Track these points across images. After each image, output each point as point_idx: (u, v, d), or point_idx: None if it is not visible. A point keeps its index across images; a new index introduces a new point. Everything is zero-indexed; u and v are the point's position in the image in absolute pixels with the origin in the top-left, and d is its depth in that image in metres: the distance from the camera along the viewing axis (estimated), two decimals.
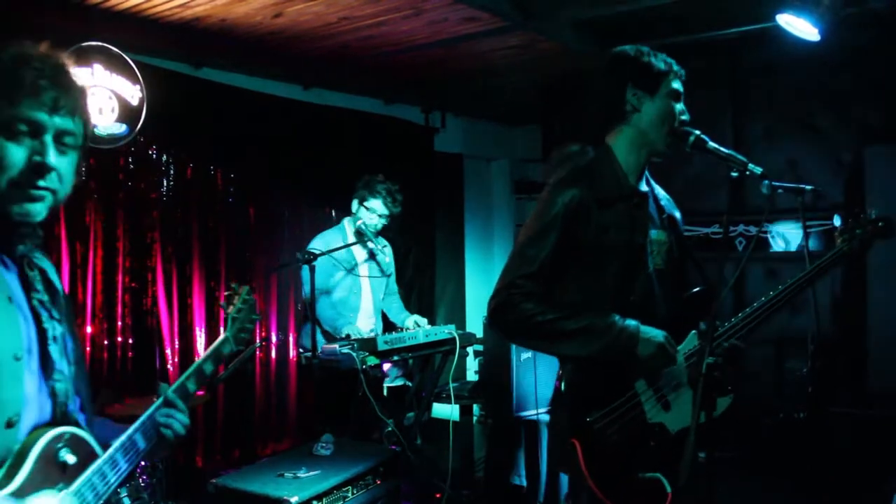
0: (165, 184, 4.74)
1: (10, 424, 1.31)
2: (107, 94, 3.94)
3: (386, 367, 4.44)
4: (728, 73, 5.07)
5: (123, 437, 1.48)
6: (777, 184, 1.99)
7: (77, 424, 1.42)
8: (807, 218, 4.22)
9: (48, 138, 1.32)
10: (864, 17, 4.16)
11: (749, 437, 4.25)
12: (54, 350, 1.40)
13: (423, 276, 6.53)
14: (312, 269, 3.97)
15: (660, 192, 2.38)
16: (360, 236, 4.46)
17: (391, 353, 4.00)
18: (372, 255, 4.58)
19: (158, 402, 1.60)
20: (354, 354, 3.77)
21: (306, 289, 4.11)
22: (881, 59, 4.46)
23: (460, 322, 6.90)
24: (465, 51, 4.80)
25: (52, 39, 1.38)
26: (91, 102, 3.89)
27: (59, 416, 1.39)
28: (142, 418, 1.55)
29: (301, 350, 4.60)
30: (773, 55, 4.58)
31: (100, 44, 3.91)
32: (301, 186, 5.49)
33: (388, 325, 4.74)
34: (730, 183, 2.05)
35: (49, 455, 1.33)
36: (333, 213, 5.74)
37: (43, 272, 1.44)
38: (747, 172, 2.00)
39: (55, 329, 1.41)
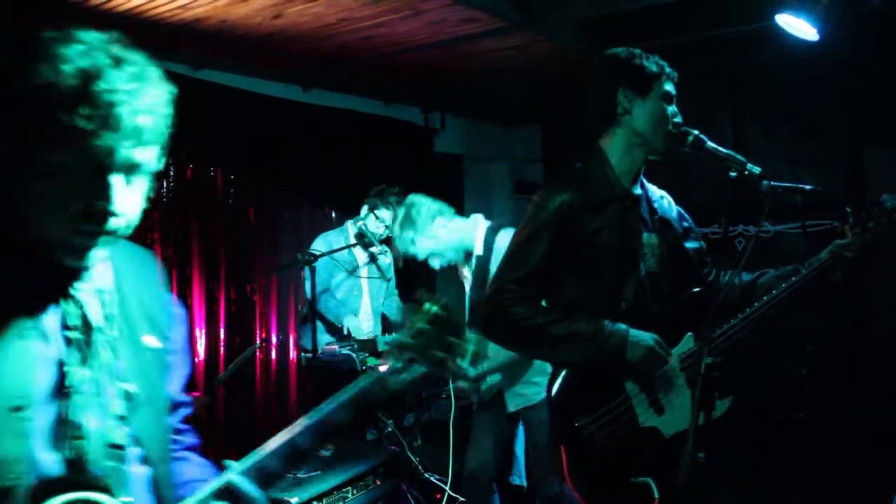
0: (165, 185, 4.74)
1: (6, 491, 1.07)
2: None
3: (385, 367, 4.45)
4: (727, 73, 5.06)
5: None
6: (776, 184, 1.99)
7: (108, 491, 1.14)
8: (806, 218, 4.22)
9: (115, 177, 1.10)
10: (864, 17, 4.16)
11: (747, 439, 4.24)
12: (72, 401, 1.13)
13: (423, 277, 6.53)
14: (313, 271, 3.97)
15: (654, 193, 2.37)
16: (361, 238, 4.47)
17: None
18: (373, 258, 4.60)
19: (214, 486, 1.19)
20: (354, 355, 3.78)
21: (307, 289, 4.11)
22: (881, 58, 4.46)
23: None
24: (464, 51, 4.80)
25: None
26: None
27: (83, 479, 1.12)
28: None
29: (301, 351, 4.61)
30: (772, 54, 4.58)
31: None
32: (301, 187, 5.50)
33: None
34: (729, 182, 2.05)
35: None
36: (333, 214, 5.75)
37: (81, 306, 1.18)
38: (746, 172, 1.99)
39: (80, 375, 1.15)
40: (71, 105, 1.04)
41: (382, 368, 1.36)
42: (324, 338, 4.36)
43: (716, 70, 5.01)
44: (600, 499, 2.04)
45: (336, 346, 3.93)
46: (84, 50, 1.10)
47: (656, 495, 2.02)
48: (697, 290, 2.24)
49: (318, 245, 4.42)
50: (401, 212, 3.41)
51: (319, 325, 4.38)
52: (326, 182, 5.53)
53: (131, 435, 1.20)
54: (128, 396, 1.20)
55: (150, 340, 1.27)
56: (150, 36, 4.13)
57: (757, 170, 1.99)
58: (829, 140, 4.72)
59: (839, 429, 4.03)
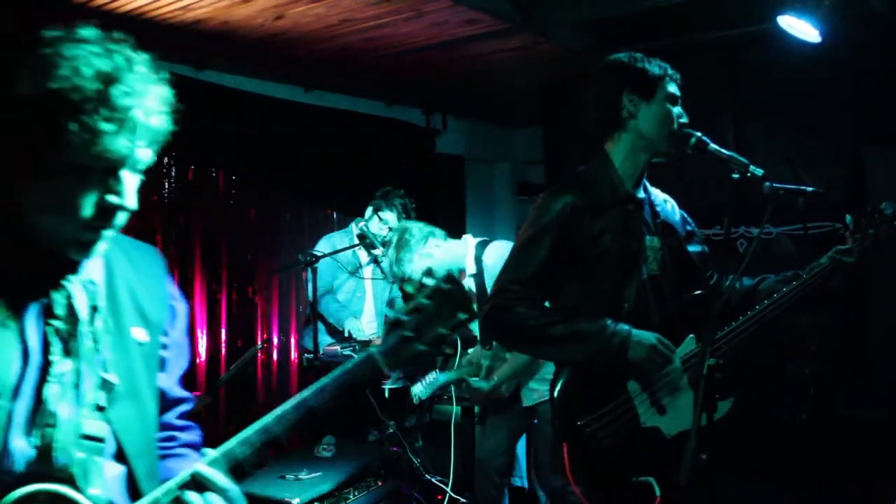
0: (167, 186, 4.75)
1: None
2: None
3: (378, 346, 4.45)
4: (728, 73, 5.06)
5: None
6: (778, 185, 1.99)
7: (72, 482, 1.11)
8: (808, 219, 4.22)
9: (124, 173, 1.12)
10: (865, 17, 4.16)
11: (750, 440, 4.24)
12: (49, 390, 1.12)
13: None
14: (314, 271, 3.98)
15: (657, 197, 2.37)
16: (363, 239, 4.48)
17: None
18: (375, 260, 4.61)
19: (182, 477, 1.16)
20: (356, 356, 3.79)
21: (309, 290, 4.12)
22: (881, 59, 4.45)
23: None
24: (466, 53, 4.80)
25: None
26: None
27: (47, 469, 1.11)
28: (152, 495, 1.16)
29: (303, 352, 4.61)
30: (773, 55, 4.58)
31: None
32: (302, 189, 5.50)
33: None
34: (731, 184, 2.05)
35: None
36: (334, 215, 5.76)
37: (69, 297, 1.17)
38: (748, 174, 2.00)
39: (61, 365, 1.14)
40: (93, 108, 1.04)
41: (375, 347, 1.28)
42: (325, 338, 4.36)
43: (717, 71, 5.01)
44: (601, 497, 2.05)
45: (338, 347, 3.93)
46: (100, 51, 1.11)
47: (658, 494, 2.03)
48: (699, 292, 2.25)
49: (322, 246, 4.44)
50: (394, 237, 3.51)
51: (321, 325, 4.38)
52: (328, 183, 5.54)
53: (110, 427, 1.18)
54: (108, 388, 1.18)
55: (139, 333, 1.26)
56: (151, 37, 4.13)
57: (759, 171, 1.99)
58: (830, 140, 4.72)
59: (841, 429, 4.03)
